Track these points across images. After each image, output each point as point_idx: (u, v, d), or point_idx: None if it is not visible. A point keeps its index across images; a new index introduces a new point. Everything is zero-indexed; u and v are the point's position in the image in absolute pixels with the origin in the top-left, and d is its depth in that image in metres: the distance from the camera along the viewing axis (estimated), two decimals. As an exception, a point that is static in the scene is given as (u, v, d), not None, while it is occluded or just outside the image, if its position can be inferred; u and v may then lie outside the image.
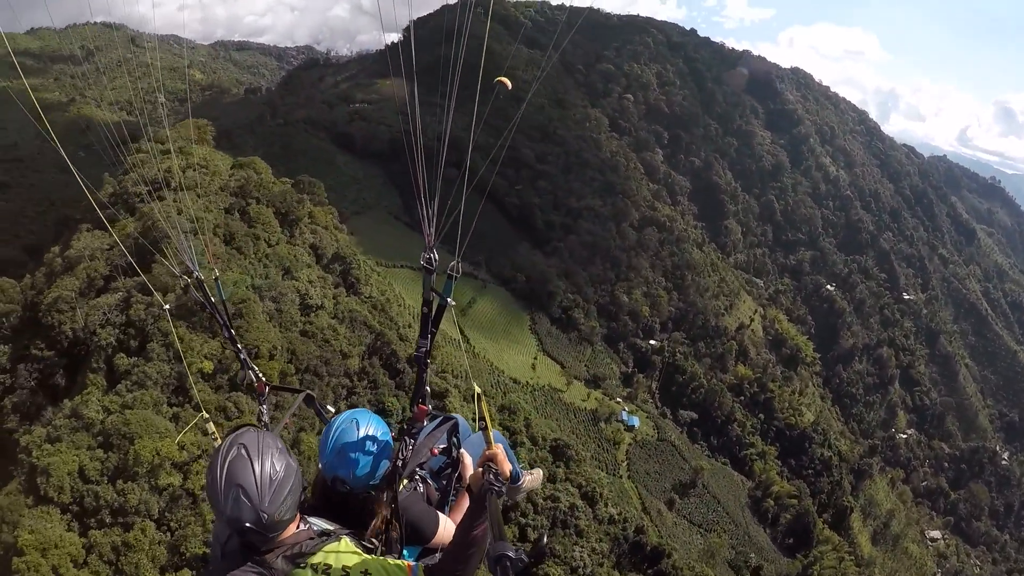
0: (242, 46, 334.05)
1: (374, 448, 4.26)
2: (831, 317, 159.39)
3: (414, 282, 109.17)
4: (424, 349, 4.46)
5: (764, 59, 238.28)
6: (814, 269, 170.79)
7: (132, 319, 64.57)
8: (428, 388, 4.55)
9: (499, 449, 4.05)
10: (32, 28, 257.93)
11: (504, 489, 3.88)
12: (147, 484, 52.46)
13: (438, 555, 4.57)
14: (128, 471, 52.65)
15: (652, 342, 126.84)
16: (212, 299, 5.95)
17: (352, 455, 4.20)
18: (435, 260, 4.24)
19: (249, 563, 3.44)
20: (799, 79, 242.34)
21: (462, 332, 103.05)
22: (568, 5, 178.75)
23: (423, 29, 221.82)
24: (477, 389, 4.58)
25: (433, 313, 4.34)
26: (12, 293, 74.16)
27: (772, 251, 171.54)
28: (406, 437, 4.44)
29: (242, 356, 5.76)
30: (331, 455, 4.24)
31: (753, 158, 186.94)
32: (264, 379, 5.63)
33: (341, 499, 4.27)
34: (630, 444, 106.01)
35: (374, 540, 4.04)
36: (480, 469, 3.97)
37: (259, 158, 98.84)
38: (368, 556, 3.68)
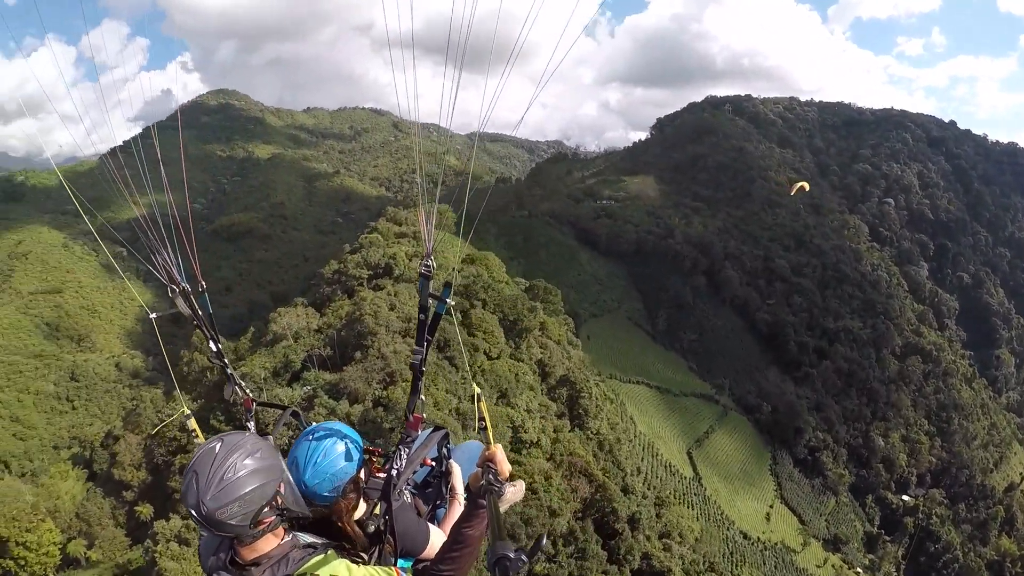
0: (496, 138, 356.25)
1: (327, 458, 3.95)
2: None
3: (650, 403, 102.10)
4: (420, 357, 4.30)
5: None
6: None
7: (310, 422, 59.78)
8: (422, 397, 4.38)
9: (499, 449, 4.01)
10: (308, 107, 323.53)
11: (504, 489, 3.81)
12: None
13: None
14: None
15: (905, 498, 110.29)
16: (199, 311, 5.27)
17: (303, 465, 3.93)
18: (433, 268, 4.22)
19: None
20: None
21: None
22: (817, 100, 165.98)
23: (670, 127, 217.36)
24: (476, 390, 4.45)
25: (429, 320, 4.27)
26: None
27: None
28: (400, 447, 4.31)
29: (229, 371, 5.30)
30: (288, 464, 3.92)
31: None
32: (251, 395, 5.36)
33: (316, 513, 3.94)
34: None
35: (362, 555, 3.95)
36: (479, 469, 3.92)
37: (493, 254, 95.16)
38: (355, 566, 3.54)
